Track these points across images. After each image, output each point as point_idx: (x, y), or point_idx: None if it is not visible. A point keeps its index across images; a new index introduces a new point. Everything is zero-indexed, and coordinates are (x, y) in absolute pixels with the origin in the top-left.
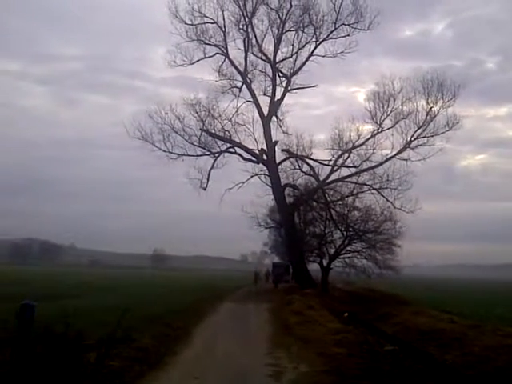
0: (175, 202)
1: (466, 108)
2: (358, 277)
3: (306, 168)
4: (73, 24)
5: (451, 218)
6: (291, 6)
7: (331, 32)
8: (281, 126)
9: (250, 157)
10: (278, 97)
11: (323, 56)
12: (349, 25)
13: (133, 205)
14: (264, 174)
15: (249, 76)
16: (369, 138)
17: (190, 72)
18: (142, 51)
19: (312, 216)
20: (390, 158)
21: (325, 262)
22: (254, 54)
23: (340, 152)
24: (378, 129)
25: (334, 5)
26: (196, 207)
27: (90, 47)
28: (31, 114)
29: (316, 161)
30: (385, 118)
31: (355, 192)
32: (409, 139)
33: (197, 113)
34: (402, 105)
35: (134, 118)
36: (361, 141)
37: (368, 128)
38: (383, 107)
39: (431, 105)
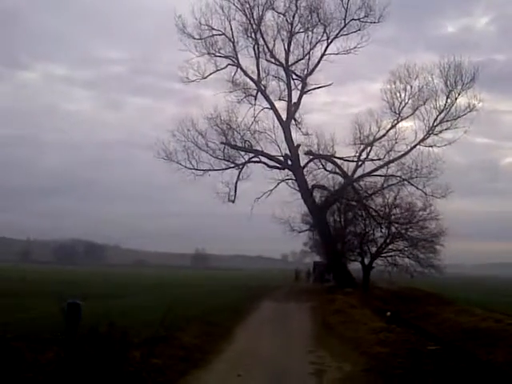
0: (214, 203)
1: (510, 103)
2: (400, 276)
3: (330, 167)
4: (116, 27)
5: (496, 215)
6: (297, 7)
7: (341, 29)
8: (300, 129)
9: (274, 164)
10: (294, 100)
11: (336, 54)
12: (359, 19)
13: (173, 206)
14: (291, 179)
15: (262, 83)
16: (390, 129)
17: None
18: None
19: (352, 215)
20: (415, 146)
21: (366, 261)
22: (266, 60)
23: (362, 146)
24: (397, 118)
25: (342, 1)
26: (235, 208)
27: (132, 50)
28: (76, 118)
29: (340, 158)
30: (403, 107)
31: (385, 185)
32: (431, 125)
33: (218, 126)
34: (419, 91)
35: (158, 138)
36: (382, 132)
37: (388, 119)
38: (400, 96)
39: (450, 88)
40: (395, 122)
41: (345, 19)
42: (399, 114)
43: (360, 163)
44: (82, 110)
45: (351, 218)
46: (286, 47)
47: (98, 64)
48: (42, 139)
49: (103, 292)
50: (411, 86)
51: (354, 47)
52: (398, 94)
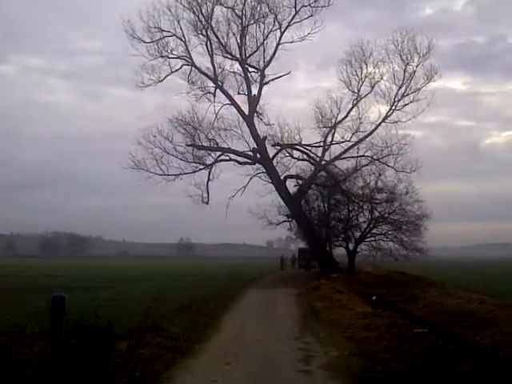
0: (198, 192)
1: (489, 85)
2: (385, 260)
3: (297, 155)
4: (91, 18)
5: (482, 197)
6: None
7: (293, 17)
8: (262, 119)
9: (245, 159)
10: (254, 92)
11: (291, 42)
12: (309, 5)
13: (156, 196)
14: (262, 173)
15: (219, 79)
16: (351, 109)
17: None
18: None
19: (335, 200)
20: (380, 123)
21: (351, 246)
22: (223, 56)
23: (327, 130)
24: (357, 98)
25: None
26: (219, 197)
27: (108, 41)
28: (55, 110)
29: (306, 145)
30: (361, 85)
31: (358, 167)
32: (393, 100)
33: (183, 128)
34: (374, 68)
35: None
36: (343, 114)
37: (348, 100)
38: (357, 74)
39: (406, 61)
40: (355, 101)
41: (295, 7)
42: (358, 93)
43: (326, 147)
44: (60, 102)
45: (334, 203)
46: (239, 41)
47: (76, 55)
48: (20, 132)
49: (88, 284)
50: (366, 64)
51: (308, 33)
52: (355, 73)
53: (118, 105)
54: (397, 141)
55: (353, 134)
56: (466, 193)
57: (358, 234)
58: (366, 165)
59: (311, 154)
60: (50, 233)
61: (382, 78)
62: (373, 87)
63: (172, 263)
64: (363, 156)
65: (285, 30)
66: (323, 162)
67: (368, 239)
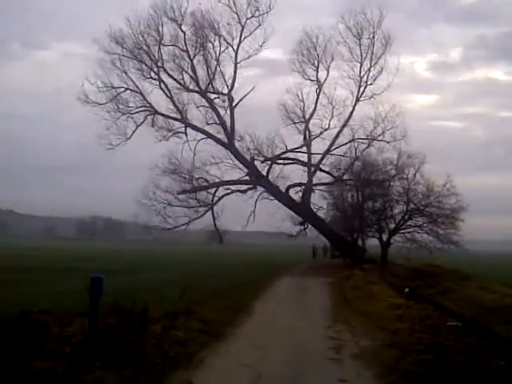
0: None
1: None
2: (419, 252)
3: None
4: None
5: None
6: (184, 33)
7: (241, 32)
8: (242, 140)
9: (246, 186)
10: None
11: (248, 58)
12: (253, 16)
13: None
14: (264, 192)
15: (187, 116)
16: (317, 99)
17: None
18: None
19: (369, 191)
20: (356, 103)
21: (384, 238)
22: (183, 92)
23: (303, 126)
24: (319, 86)
25: (230, 8)
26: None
27: None
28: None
29: (291, 151)
30: (317, 72)
31: (358, 153)
32: (359, 78)
33: (176, 174)
34: (324, 52)
35: (131, 207)
36: (312, 105)
37: (310, 90)
38: (310, 61)
39: (359, 36)
40: (318, 89)
41: (240, 22)
42: (317, 80)
43: (307, 144)
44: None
45: (368, 194)
46: (192, 74)
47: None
48: (61, 117)
49: (123, 267)
50: (315, 48)
51: (263, 42)
52: (306, 61)
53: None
54: (386, 115)
55: (330, 120)
56: (505, 186)
57: (392, 226)
58: (365, 149)
59: (300, 158)
60: (88, 217)
61: (332, 60)
62: (328, 70)
63: (205, 249)
64: (359, 139)
65: (238, 48)
66: (315, 162)
67: (402, 231)
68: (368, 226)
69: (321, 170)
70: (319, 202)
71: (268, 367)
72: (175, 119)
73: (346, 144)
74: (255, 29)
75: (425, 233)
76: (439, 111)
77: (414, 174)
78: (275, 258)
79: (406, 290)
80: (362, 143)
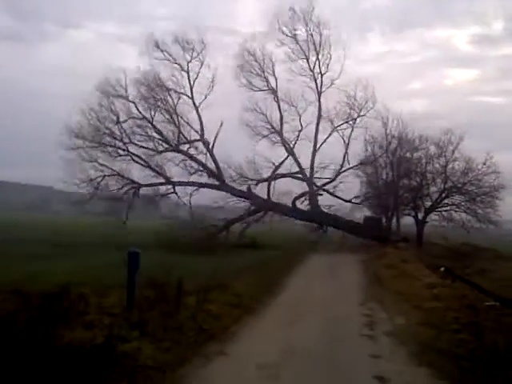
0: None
1: None
2: (456, 231)
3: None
4: None
5: None
6: (135, 103)
7: (188, 78)
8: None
9: (258, 214)
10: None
11: (205, 98)
12: (192, 59)
13: None
14: (276, 214)
15: (171, 175)
16: (279, 106)
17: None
18: (231, 6)
19: (405, 169)
20: (319, 95)
21: (420, 216)
22: (161, 152)
23: (277, 136)
24: (274, 94)
25: (168, 59)
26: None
27: (181, 6)
28: (129, 76)
29: (278, 166)
30: (267, 81)
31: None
32: (310, 71)
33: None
34: (263, 59)
35: None
36: (277, 114)
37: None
38: (254, 72)
39: (292, 33)
40: (275, 97)
41: (182, 69)
42: (270, 89)
43: (292, 152)
44: (133, 68)
45: (404, 172)
46: (158, 136)
47: (147, 21)
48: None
49: (156, 243)
50: (255, 59)
51: (213, 79)
52: (250, 71)
53: None
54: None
55: (299, 120)
56: None
57: (428, 204)
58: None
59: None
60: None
61: (273, 65)
62: (275, 76)
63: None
64: (338, 127)
65: (192, 94)
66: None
67: (439, 209)
68: (403, 204)
69: (313, 180)
70: (352, 181)
71: (300, 342)
72: (161, 184)
73: (328, 137)
74: (199, 69)
75: (462, 211)
76: (480, 86)
77: (453, 151)
78: (307, 235)
79: (442, 269)
80: (346, 128)
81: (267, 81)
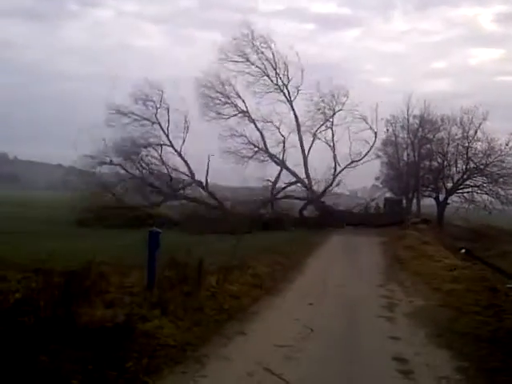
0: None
1: None
2: (477, 213)
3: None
4: None
5: None
6: None
7: None
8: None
9: None
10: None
11: None
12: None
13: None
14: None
15: None
16: (256, 126)
17: (300, 2)
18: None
19: (426, 149)
20: (292, 105)
21: (441, 197)
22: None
23: (265, 154)
24: (247, 116)
25: None
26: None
27: None
28: (148, 54)
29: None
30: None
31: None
32: (276, 85)
33: None
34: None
35: None
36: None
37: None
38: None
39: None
40: (249, 119)
41: None
42: (241, 112)
43: (284, 165)
44: (152, 46)
45: (426, 152)
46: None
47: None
48: (117, 76)
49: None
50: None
51: None
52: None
53: (207, 49)
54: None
55: (279, 130)
56: None
57: (449, 185)
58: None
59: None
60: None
61: (232, 86)
62: (242, 99)
63: None
64: (317, 132)
65: None
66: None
67: (460, 191)
68: (424, 185)
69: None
70: (371, 162)
71: (319, 322)
72: None
73: (312, 144)
74: (168, 116)
75: (484, 193)
76: (505, 66)
77: (475, 132)
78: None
79: (463, 251)
80: (326, 128)
81: (235, 105)
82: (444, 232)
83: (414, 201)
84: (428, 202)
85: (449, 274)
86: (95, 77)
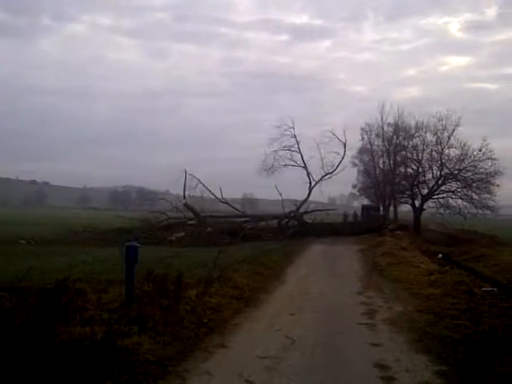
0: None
1: None
2: (453, 218)
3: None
4: None
5: None
6: None
7: None
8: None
9: None
10: None
11: None
12: None
13: (222, 151)
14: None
15: None
16: None
17: (273, 14)
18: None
19: (402, 157)
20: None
21: (417, 203)
22: None
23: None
24: None
25: None
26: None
27: None
28: (123, 67)
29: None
30: None
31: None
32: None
33: None
34: None
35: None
36: None
37: None
38: None
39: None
40: None
41: None
42: None
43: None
44: (127, 59)
45: (401, 160)
46: None
47: (142, 12)
48: (92, 90)
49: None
50: None
51: None
52: None
53: (181, 61)
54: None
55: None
56: None
57: (425, 191)
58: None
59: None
60: (121, 186)
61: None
62: None
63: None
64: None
65: None
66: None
67: (435, 196)
68: (400, 192)
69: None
70: (349, 170)
71: (301, 332)
72: None
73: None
74: None
75: (459, 198)
76: (474, 73)
77: (448, 138)
78: None
79: (440, 255)
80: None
81: None
82: (421, 237)
83: (391, 208)
84: (405, 209)
85: (427, 278)
86: (69, 90)
